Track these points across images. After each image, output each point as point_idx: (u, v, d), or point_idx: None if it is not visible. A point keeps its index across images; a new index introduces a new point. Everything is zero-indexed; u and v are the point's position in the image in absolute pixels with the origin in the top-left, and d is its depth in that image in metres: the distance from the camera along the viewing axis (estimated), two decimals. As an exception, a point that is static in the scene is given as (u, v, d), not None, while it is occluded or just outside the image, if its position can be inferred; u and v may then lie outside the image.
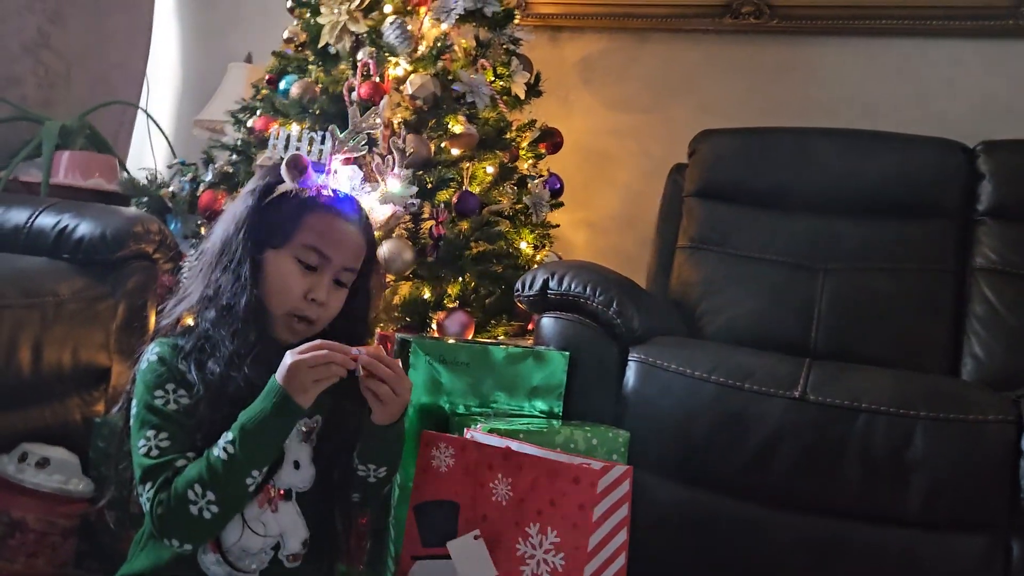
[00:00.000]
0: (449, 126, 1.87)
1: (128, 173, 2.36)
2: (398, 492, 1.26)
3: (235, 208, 1.09)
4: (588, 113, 2.49)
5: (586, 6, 2.47)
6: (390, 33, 1.89)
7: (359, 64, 1.88)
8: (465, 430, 1.22)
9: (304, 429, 1.05)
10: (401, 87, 1.88)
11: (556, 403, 1.44)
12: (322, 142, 1.30)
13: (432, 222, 1.82)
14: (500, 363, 1.39)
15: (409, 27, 1.90)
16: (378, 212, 1.62)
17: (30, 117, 2.28)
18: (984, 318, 1.74)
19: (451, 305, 1.82)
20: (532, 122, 2.14)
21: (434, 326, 1.80)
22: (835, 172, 1.93)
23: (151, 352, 1.03)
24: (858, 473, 1.26)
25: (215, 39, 2.87)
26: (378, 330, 1.61)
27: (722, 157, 2.06)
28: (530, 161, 2.13)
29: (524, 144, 2.11)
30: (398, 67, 1.90)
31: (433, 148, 1.86)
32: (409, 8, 1.96)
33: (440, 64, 1.91)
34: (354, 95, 1.83)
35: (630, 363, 1.47)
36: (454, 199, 1.82)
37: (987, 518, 1.24)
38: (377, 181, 1.68)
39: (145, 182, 2.19)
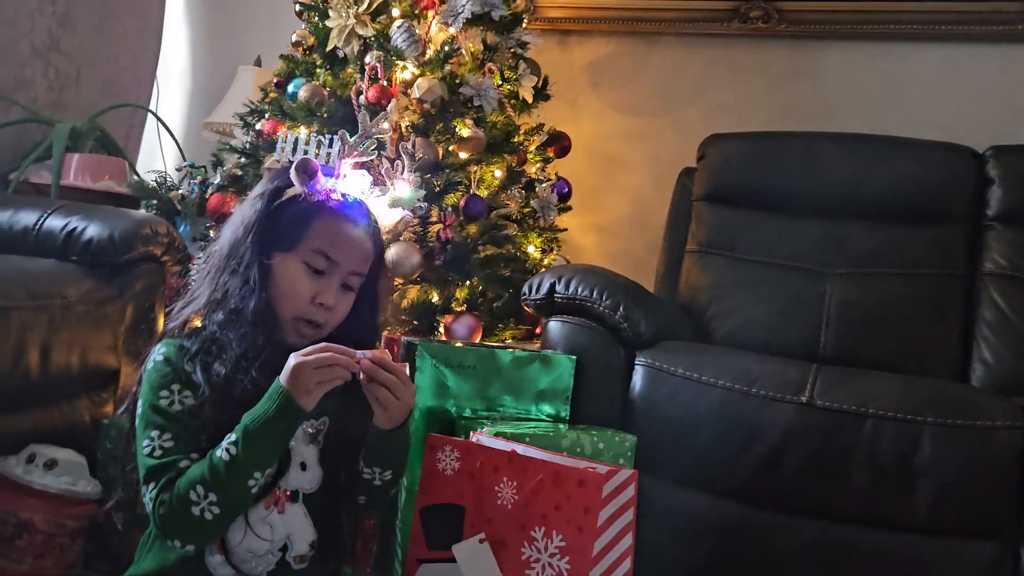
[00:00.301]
0: (457, 130, 1.87)
1: (137, 175, 2.37)
2: (404, 495, 1.26)
3: (244, 211, 1.09)
4: (596, 117, 2.49)
5: (594, 10, 2.47)
6: (398, 37, 1.89)
7: (367, 68, 1.89)
8: (471, 433, 1.22)
9: (311, 431, 1.05)
10: (409, 91, 1.88)
11: (563, 407, 1.44)
12: (330, 145, 1.30)
13: (440, 226, 1.83)
14: (507, 367, 1.39)
15: (417, 31, 1.91)
16: (387, 216, 1.63)
17: (40, 119, 2.29)
18: (993, 323, 1.73)
19: (459, 309, 1.82)
20: (540, 126, 2.14)
21: (441, 330, 1.80)
22: (844, 177, 1.93)
23: (157, 353, 1.04)
24: (865, 479, 1.26)
25: (224, 42, 2.89)
26: (385, 333, 1.61)
27: (731, 161, 2.05)
28: (538, 165, 2.13)
29: (532, 148, 2.11)
30: (406, 71, 1.91)
31: (441, 152, 1.87)
32: (417, 12, 1.96)
33: (448, 68, 1.91)
34: (362, 99, 1.84)
35: (637, 367, 1.46)
36: (462, 203, 1.83)
37: (995, 525, 1.24)
38: (386, 185, 1.68)
39: (154, 184, 2.20)
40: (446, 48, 1.92)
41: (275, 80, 2.11)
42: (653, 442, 1.38)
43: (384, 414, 1.01)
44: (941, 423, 1.24)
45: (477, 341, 1.77)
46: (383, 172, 1.68)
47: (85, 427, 1.56)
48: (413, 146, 1.75)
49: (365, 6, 1.92)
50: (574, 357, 1.46)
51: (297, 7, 2.13)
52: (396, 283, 1.78)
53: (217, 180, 2.05)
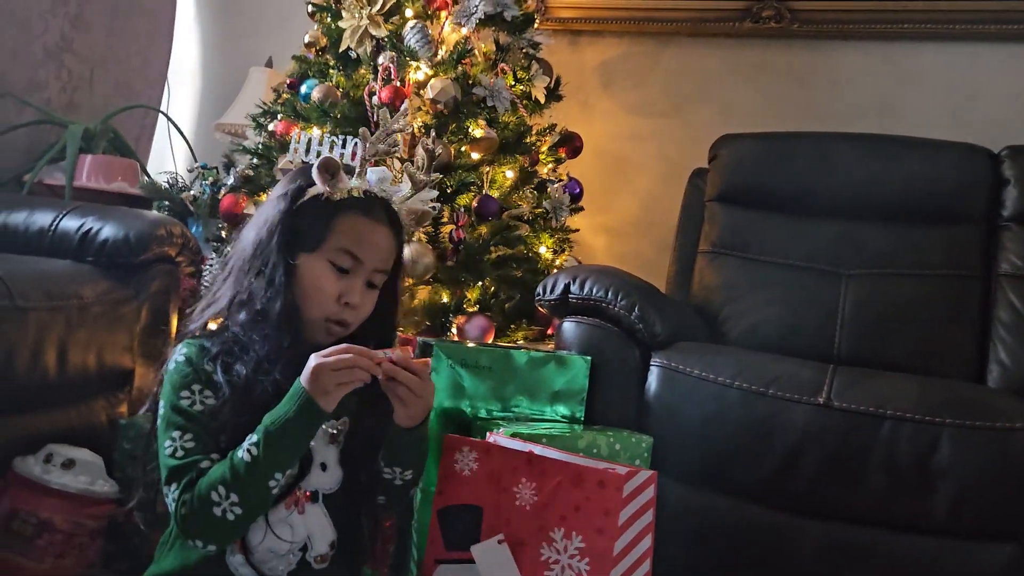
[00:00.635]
0: (469, 130, 1.87)
1: (149, 176, 2.38)
2: (420, 496, 1.26)
3: (266, 212, 1.09)
4: (608, 117, 2.49)
5: (605, 10, 2.47)
6: (411, 37, 1.89)
7: (380, 68, 1.89)
8: (488, 434, 1.22)
9: (331, 431, 1.05)
10: (422, 91, 1.89)
11: (578, 408, 1.44)
12: (343, 146, 1.30)
13: (452, 226, 1.83)
14: (522, 367, 1.39)
15: (429, 31, 1.91)
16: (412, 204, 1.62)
17: (54, 120, 2.30)
18: (1010, 324, 1.72)
19: (471, 309, 1.82)
20: (552, 126, 2.14)
21: (453, 330, 1.80)
22: (858, 177, 1.92)
23: (178, 353, 1.04)
24: (883, 480, 1.26)
25: (236, 43, 2.89)
26: (399, 334, 1.61)
27: (743, 162, 2.05)
28: (550, 165, 2.13)
29: (544, 148, 2.11)
30: (419, 71, 1.91)
31: (453, 152, 1.87)
32: (430, 12, 1.96)
33: (460, 68, 1.91)
34: (375, 99, 1.84)
35: (652, 368, 1.46)
36: (474, 203, 1.83)
37: (1013, 527, 1.23)
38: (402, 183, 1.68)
39: (166, 186, 2.21)
40: (459, 49, 1.92)
41: (288, 81, 2.12)
42: (669, 443, 1.37)
43: (405, 412, 1.01)
44: (959, 424, 1.24)
45: (490, 342, 1.77)
46: (404, 169, 1.68)
47: (102, 427, 1.57)
48: (433, 142, 1.74)
49: (378, 7, 1.92)
50: (589, 358, 1.45)
51: (309, 8, 2.13)
52: (407, 283, 1.78)
53: (229, 181, 2.05)
